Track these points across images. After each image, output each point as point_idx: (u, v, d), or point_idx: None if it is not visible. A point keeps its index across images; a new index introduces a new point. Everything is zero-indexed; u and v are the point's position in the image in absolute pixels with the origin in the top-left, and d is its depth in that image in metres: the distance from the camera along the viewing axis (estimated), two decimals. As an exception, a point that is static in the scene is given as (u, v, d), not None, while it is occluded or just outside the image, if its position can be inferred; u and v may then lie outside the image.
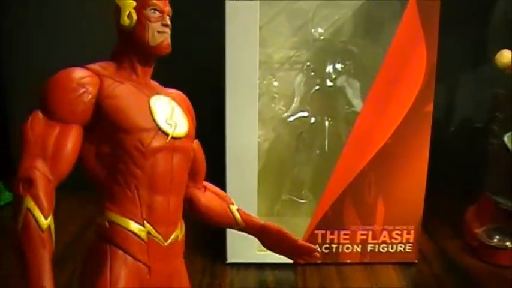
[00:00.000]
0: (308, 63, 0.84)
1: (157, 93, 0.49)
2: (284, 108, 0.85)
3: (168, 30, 0.49)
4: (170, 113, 0.48)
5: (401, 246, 0.80)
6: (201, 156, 0.54)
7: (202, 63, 0.93)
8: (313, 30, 0.83)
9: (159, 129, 0.46)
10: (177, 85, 0.53)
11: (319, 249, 0.78)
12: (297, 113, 0.85)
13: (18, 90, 1.08)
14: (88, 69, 0.46)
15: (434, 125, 0.76)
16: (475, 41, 1.04)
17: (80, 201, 0.87)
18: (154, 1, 0.48)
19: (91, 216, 0.83)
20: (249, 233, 0.56)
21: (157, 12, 0.48)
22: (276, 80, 0.85)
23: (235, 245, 0.78)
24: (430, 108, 0.75)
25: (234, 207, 0.55)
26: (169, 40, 0.49)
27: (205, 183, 0.55)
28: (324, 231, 0.79)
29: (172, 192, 0.48)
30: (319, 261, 0.79)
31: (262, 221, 0.56)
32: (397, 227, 0.79)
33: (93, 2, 1.00)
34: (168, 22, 0.49)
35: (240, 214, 0.55)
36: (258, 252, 0.77)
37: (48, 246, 0.40)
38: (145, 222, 0.46)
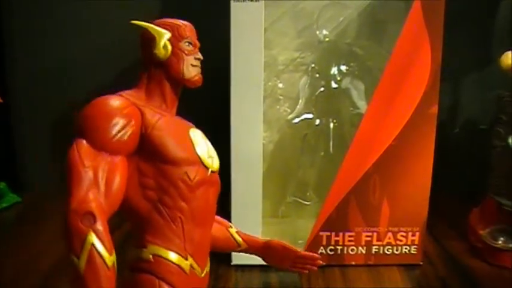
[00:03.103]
0: (313, 65, 0.84)
1: (192, 126, 0.49)
2: (289, 110, 0.85)
3: (199, 64, 0.49)
4: (206, 147, 0.48)
5: (406, 248, 0.79)
6: None
7: (207, 65, 0.92)
8: (317, 32, 0.83)
9: (201, 162, 0.46)
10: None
11: (324, 251, 0.79)
12: (302, 114, 0.84)
13: (22, 93, 1.08)
14: (125, 98, 0.45)
15: (439, 127, 0.76)
16: (479, 43, 1.04)
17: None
18: (189, 34, 0.48)
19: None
20: (253, 253, 0.57)
21: (191, 46, 0.48)
22: (280, 82, 0.85)
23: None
24: (435, 109, 0.75)
25: (233, 230, 0.55)
26: (200, 75, 0.49)
27: None
28: (328, 233, 0.78)
29: (208, 225, 0.48)
30: (323, 263, 0.79)
31: (263, 238, 0.56)
32: (401, 229, 0.79)
33: (96, 4, 1.00)
34: (201, 56, 0.49)
35: (240, 235, 0.55)
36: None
37: (112, 284, 0.38)
38: (188, 255, 0.45)
